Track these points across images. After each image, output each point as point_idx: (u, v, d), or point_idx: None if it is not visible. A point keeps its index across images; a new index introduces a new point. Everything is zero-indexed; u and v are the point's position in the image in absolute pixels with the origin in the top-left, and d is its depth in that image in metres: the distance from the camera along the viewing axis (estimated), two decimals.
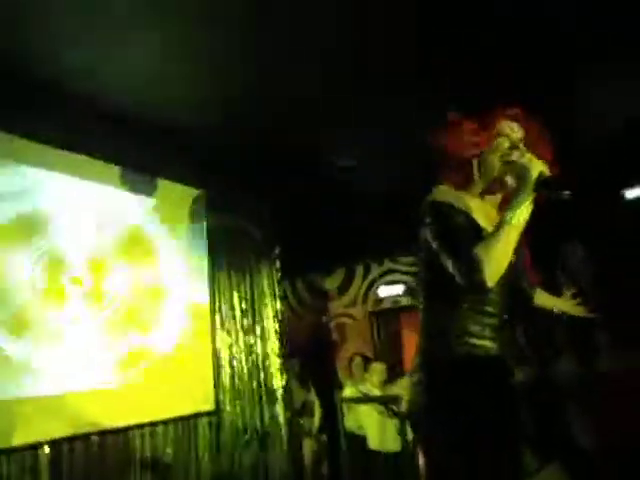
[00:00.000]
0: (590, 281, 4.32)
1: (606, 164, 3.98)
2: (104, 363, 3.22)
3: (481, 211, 1.50)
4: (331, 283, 7.23)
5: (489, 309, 1.41)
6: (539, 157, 1.44)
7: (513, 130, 1.51)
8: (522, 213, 1.32)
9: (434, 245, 1.40)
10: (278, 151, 4.01)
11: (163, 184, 3.90)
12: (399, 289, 6.67)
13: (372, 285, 6.96)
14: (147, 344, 3.52)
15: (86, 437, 3.01)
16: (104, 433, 3.11)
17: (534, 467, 1.25)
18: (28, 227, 3.00)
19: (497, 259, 1.29)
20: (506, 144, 1.49)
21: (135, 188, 3.68)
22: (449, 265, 1.34)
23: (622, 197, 4.35)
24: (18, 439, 2.69)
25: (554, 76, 3.13)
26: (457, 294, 1.38)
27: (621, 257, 4.11)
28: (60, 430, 2.88)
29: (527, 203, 1.33)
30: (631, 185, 4.33)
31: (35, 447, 2.77)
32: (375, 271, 6.98)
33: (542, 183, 1.32)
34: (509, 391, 1.41)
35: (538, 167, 1.33)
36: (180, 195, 4.08)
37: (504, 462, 1.26)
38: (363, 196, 4.80)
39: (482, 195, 1.54)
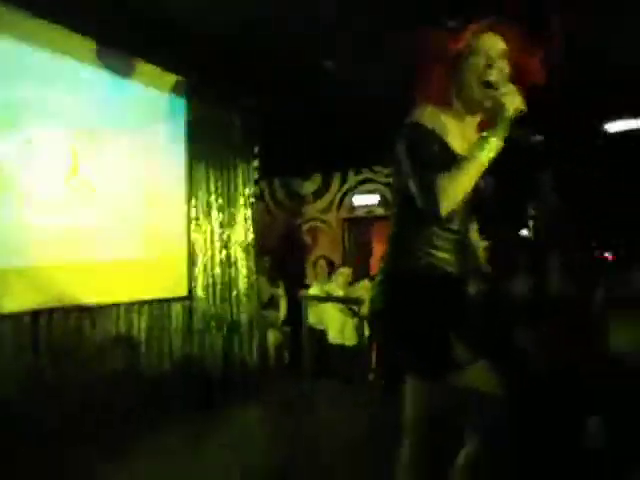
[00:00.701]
0: (555, 210, 4.52)
1: (587, 97, 3.99)
2: (87, 238, 3.32)
3: (459, 134, 1.52)
4: (308, 187, 7.30)
5: (452, 226, 1.52)
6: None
7: (492, 45, 1.46)
8: (490, 150, 1.36)
9: (405, 167, 1.45)
10: (263, 50, 3.86)
11: (141, 67, 3.77)
12: (374, 199, 6.79)
13: (348, 193, 7.07)
14: (126, 225, 3.61)
15: (65, 311, 3.18)
16: (82, 309, 3.28)
17: (467, 361, 1.43)
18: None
19: (455, 192, 1.35)
20: (482, 62, 1.45)
21: (111, 67, 3.56)
22: (412, 189, 1.41)
23: (600, 130, 4.42)
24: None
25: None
26: (421, 213, 1.45)
27: (588, 190, 4.28)
28: (40, 301, 3.03)
29: (497, 140, 1.36)
30: (611, 119, 4.39)
31: (16, 316, 2.93)
32: (352, 179, 7.05)
33: (516, 122, 1.34)
34: (460, 299, 1.55)
35: (514, 103, 1.35)
36: (159, 80, 3.96)
37: (439, 354, 1.43)
38: (345, 103, 4.72)
39: (462, 116, 1.53)
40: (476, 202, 1.62)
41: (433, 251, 1.49)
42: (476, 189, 1.49)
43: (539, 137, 1.41)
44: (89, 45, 3.40)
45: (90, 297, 3.32)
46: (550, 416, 2.33)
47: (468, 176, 1.36)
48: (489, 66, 1.44)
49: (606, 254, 2.77)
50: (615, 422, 2.18)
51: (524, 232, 4.85)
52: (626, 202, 4.07)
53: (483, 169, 1.37)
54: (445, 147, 1.44)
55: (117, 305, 3.52)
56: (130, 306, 3.61)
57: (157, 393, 3.69)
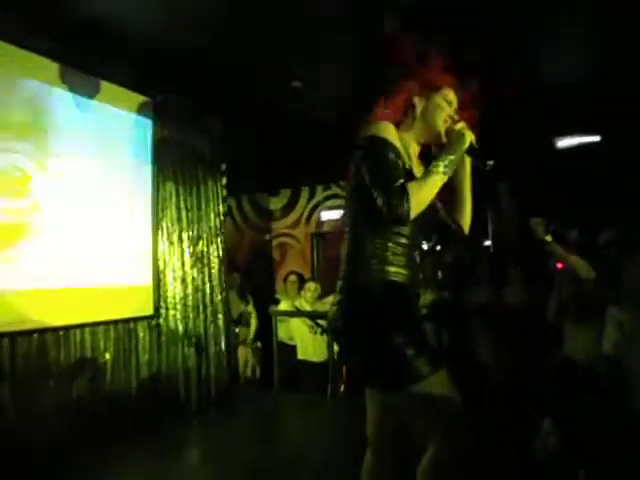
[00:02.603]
0: (513, 221, 4.70)
1: (540, 113, 4.21)
2: (47, 263, 3.28)
3: (409, 154, 1.67)
4: (276, 203, 7.35)
5: (404, 241, 1.60)
6: (466, 122, 1.68)
7: (452, 99, 1.70)
8: (449, 167, 1.57)
9: (365, 177, 1.54)
10: (230, 67, 3.93)
11: (106, 87, 3.78)
12: (342, 214, 6.89)
13: (316, 208, 7.15)
14: (87, 247, 3.58)
15: (28, 334, 3.13)
16: (45, 331, 3.24)
17: (426, 372, 1.50)
18: None
19: (422, 198, 1.52)
20: (448, 110, 1.69)
21: (76, 88, 3.55)
22: (377, 196, 1.49)
23: (554, 145, 4.64)
24: None
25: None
26: (378, 225, 1.56)
27: (543, 202, 4.48)
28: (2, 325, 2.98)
29: (456, 158, 1.59)
30: (563, 134, 4.62)
31: None
32: (320, 194, 7.14)
33: (471, 150, 1.62)
34: (413, 311, 1.64)
35: (470, 136, 1.62)
36: (125, 101, 3.97)
37: (397, 367, 1.50)
38: (312, 120, 4.82)
39: (413, 140, 1.72)
40: (432, 220, 1.73)
41: (387, 267, 1.56)
42: (433, 209, 1.62)
43: (490, 163, 1.58)
44: (52, 66, 3.40)
45: (54, 319, 3.28)
46: (508, 420, 2.43)
47: (433, 186, 1.55)
48: (454, 110, 1.71)
49: (558, 264, 2.91)
50: (568, 424, 2.29)
51: (485, 244, 5.03)
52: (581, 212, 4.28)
53: (443, 183, 1.56)
54: (401, 159, 1.57)
55: (82, 327, 3.48)
56: (95, 328, 3.58)
57: (126, 413, 3.65)
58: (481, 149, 1.65)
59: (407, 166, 1.60)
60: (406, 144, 1.67)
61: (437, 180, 1.55)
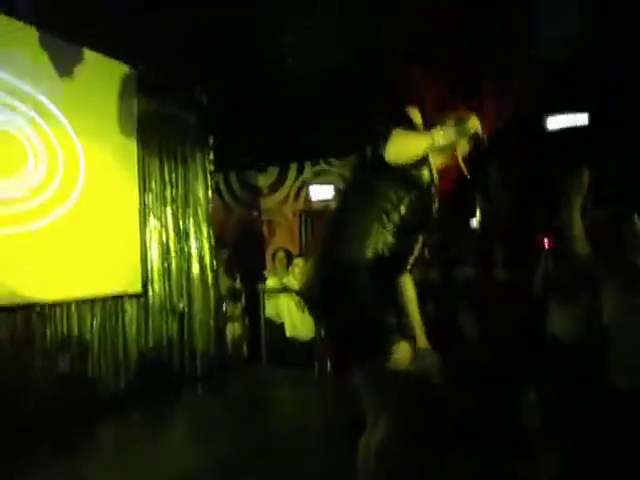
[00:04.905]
0: (502, 203, 4.73)
1: (530, 95, 4.18)
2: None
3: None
4: (264, 180, 7.28)
5: (395, 219, 1.58)
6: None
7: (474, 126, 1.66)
8: (446, 137, 1.56)
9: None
10: (216, 36, 3.82)
11: (90, 56, 3.67)
12: (330, 190, 6.84)
13: (304, 185, 7.09)
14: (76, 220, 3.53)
15: (11, 309, 3.10)
16: (29, 307, 3.20)
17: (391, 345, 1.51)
18: None
19: (402, 147, 1.55)
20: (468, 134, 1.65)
21: (57, 56, 3.43)
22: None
23: (544, 128, 4.63)
24: None
25: None
26: (370, 197, 1.57)
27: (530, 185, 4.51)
28: None
29: (453, 133, 1.58)
30: (553, 116, 4.60)
31: None
32: (308, 171, 7.08)
33: (474, 135, 1.62)
34: (394, 286, 1.65)
35: (475, 125, 1.61)
36: (109, 70, 3.86)
37: (379, 345, 1.51)
38: (300, 95, 4.74)
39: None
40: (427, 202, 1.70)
41: (375, 242, 1.54)
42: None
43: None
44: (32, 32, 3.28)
45: (39, 294, 3.25)
46: (492, 392, 2.47)
47: (418, 145, 1.56)
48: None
49: (545, 241, 2.93)
50: (551, 397, 2.33)
51: (473, 224, 5.05)
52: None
53: (431, 147, 1.56)
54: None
55: (68, 303, 3.45)
56: (81, 304, 3.55)
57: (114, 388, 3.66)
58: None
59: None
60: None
61: (426, 139, 1.56)
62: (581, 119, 4.65)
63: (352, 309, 1.52)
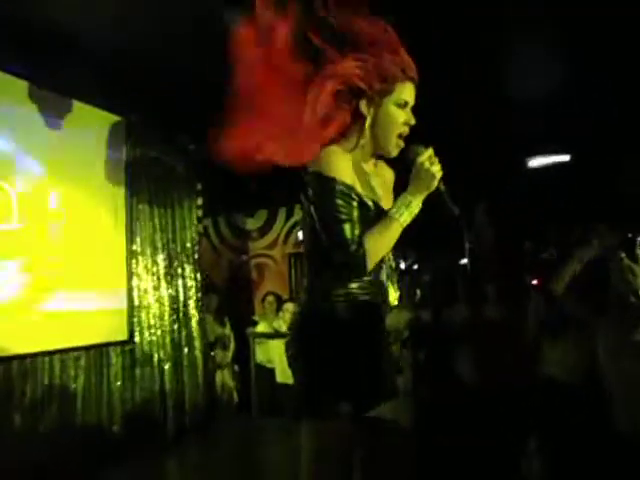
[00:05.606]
0: (489, 241, 4.75)
1: (512, 133, 4.29)
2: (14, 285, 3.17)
3: (368, 181, 1.48)
4: (253, 224, 7.29)
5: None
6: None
7: (412, 98, 1.44)
8: (411, 213, 1.38)
9: (317, 224, 1.39)
10: (200, 86, 3.88)
11: (78, 106, 3.72)
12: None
13: (294, 228, 7.10)
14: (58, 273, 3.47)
15: None
16: (11, 359, 3.10)
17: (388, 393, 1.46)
18: None
19: (379, 250, 1.38)
20: (402, 118, 1.43)
21: (45, 107, 3.47)
22: (333, 252, 1.36)
23: (525, 165, 4.74)
24: None
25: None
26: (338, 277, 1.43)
27: (515, 222, 4.56)
28: None
29: (418, 204, 1.39)
30: (534, 154, 4.72)
31: None
32: (298, 214, 7.11)
33: (439, 194, 1.39)
34: (379, 334, 1.53)
35: (439, 174, 1.37)
36: (97, 120, 3.91)
37: (370, 387, 1.43)
38: None
39: (364, 156, 1.49)
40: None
41: (349, 291, 1.44)
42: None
43: (457, 209, 1.41)
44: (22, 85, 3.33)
45: (22, 346, 3.15)
46: (492, 438, 2.39)
47: (391, 236, 1.38)
48: (406, 123, 1.44)
49: (534, 281, 2.93)
50: (550, 441, 2.26)
51: (462, 262, 5.05)
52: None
53: (403, 228, 1.39)
54: (354, 196, 1.39)
55: (51, 353, 3.34)
56: (66, 354, 3.44)
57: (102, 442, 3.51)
58: (450, 191, 1.41)
59: (368, 200, 1.42)
60: (361, 170, 1.46)
61: (397, 228, 1.38)
62: (563, 158, 4.78)
63: (327, 363, 1.42)
